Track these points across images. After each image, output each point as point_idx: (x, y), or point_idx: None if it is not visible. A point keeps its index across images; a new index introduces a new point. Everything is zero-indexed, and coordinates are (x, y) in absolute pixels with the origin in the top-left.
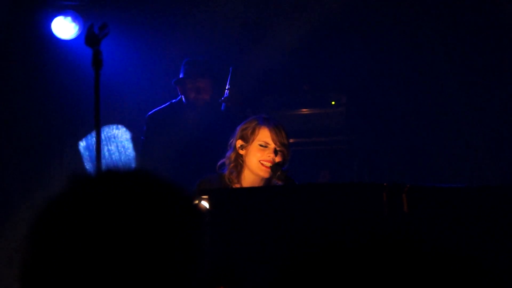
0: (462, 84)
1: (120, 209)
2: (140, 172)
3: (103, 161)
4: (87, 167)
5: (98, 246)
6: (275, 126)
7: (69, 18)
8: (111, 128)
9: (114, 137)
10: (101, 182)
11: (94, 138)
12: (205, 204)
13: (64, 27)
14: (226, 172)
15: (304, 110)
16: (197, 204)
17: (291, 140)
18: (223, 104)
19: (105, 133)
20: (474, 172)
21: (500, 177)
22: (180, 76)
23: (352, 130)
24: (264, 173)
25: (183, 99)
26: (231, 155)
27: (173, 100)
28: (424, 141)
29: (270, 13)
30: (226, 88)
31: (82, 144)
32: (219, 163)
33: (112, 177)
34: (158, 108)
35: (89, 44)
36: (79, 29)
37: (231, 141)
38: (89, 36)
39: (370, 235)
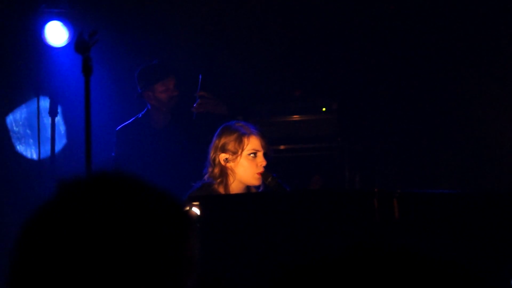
0: (455, 90)
1: (110, 216)
2: (129, 178)
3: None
4: (16, 144)
5: (87, 252)
6: (258, 131)
7: (59, 25)
8: (28, 107)
9: (20, 109)
10: (91, 188)
11: (22, 113)
12: (195, 210)
13: (55, 34)
14: (214, 186)
15: (295, 116)
16: (187, 211)
17: (282, 147)
18: (194, 113)
19: (23, 112)
20: (466, 178)
21: (493, 183)
22: (141, 85)
23: (343, 136)
24: (258, 182)
25: (154, 106)
26: (214, 171)
27: (139, 115)
28: (416, 146)
29: (260, 19)
30: (196, 96)
31: (10, 118)
32: (203, 179)
33: (102, 183)
34: (126, 122)
35: (79, 51)
36: (69, 36)
37: (211, 156)
38: (79, 43)
39: (361, 241)
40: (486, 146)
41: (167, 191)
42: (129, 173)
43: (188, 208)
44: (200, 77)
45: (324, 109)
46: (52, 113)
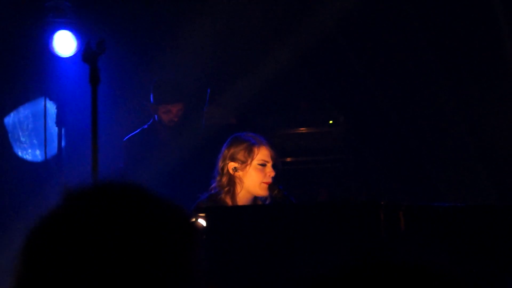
0: (461, 104)
1: (115, 225)
2: (136, 188)
3: (17, 143)
4: (14, 145)
5: (92, 263)
6: (269, 143)
7: (67, 35)
8: (23, 111)
9: (27, 118)
10: (96, 197)
11: (21, 114)
12: (202, 222)
13: (63, 44)
14: (221, 195)
15: (302, 129)
16: (193, 222)
17: (288, 159)
18: (203, 125)
19: (15, 117)
20: (472, 191)
21: (498, 196)
22: (151, 97)
23: (349, 149)
24: (265, 192)
25: (156, 118)
26: (222, 180)
27: (144, 126)
28: (421, 159)
29: (267, 31)
30: (204, 109)
31: (10, 118)
32: (210, 190)
33: (107, 192)
34: (133, 133)
35: (86, 60)
36: (77, 45)
37: (219, 166)
38: (86, 52)
39: (367, 254)
40: (493, 160)
41: (173, 201)
42: (135, 183)
43: (194, 219)
44: (209, 91)
45: (331, 122)
46: (59, 123)
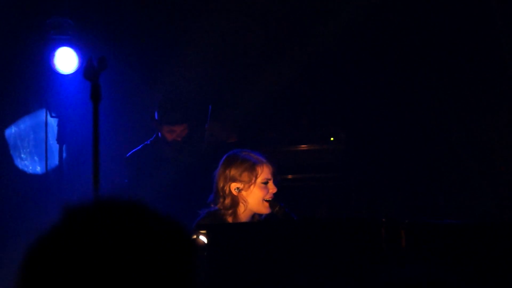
0: (461, 122)
1: (115, 242)
2: (136, 205)
3: (17, 159)
4: (14, 156)
5: (92, 278)
6: (269, 160)
7: (69, 52)
8: (23, 125)
9: (27, 135)
10: (96, 214)
11: (22, 130)
12: (203, 239)
13: (64, 61)
14: (223, 215)
15: (303, 146)
16: (194, 239)
17: (289, 176)
18: (205, 141)
19: (16, 132)
20: (473, 208)
21: (499, 213)
22: (156, 114)
23: (350, 166)
24: (267, 209)
25: (159, 135)
26: (226, 201)
27: (147, 142)
28: (423, 177)
29: (268, 47)
30: (206, 127)
31: (11, 131)
32: (210, 209)
33: (108, 208)
34: (135, 149)
35: (87, 77)
36: (78, 62)
37: (219, 186)
38: (87, 69)
39: (368, 270)
40: (494, 176)
41: (173, 218)
42: (136, 200)
43: (195, 236)
44: (210, 108)
45: (332, 138)
46: (61, 140)
